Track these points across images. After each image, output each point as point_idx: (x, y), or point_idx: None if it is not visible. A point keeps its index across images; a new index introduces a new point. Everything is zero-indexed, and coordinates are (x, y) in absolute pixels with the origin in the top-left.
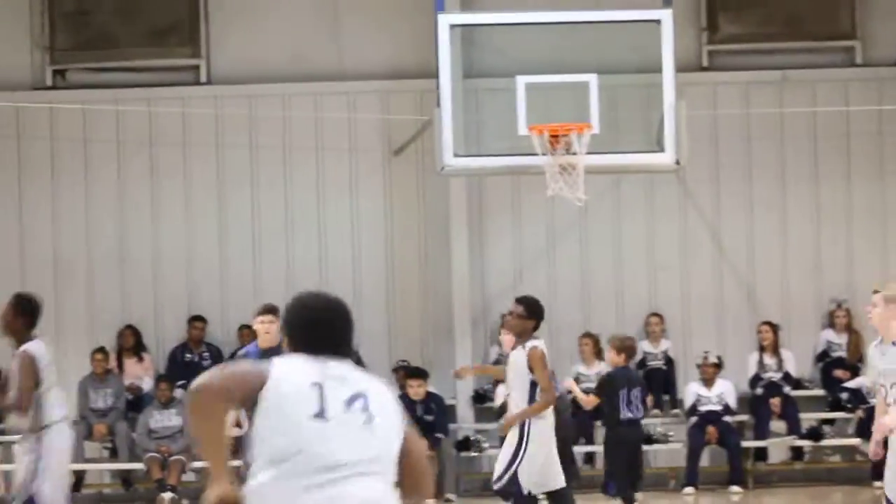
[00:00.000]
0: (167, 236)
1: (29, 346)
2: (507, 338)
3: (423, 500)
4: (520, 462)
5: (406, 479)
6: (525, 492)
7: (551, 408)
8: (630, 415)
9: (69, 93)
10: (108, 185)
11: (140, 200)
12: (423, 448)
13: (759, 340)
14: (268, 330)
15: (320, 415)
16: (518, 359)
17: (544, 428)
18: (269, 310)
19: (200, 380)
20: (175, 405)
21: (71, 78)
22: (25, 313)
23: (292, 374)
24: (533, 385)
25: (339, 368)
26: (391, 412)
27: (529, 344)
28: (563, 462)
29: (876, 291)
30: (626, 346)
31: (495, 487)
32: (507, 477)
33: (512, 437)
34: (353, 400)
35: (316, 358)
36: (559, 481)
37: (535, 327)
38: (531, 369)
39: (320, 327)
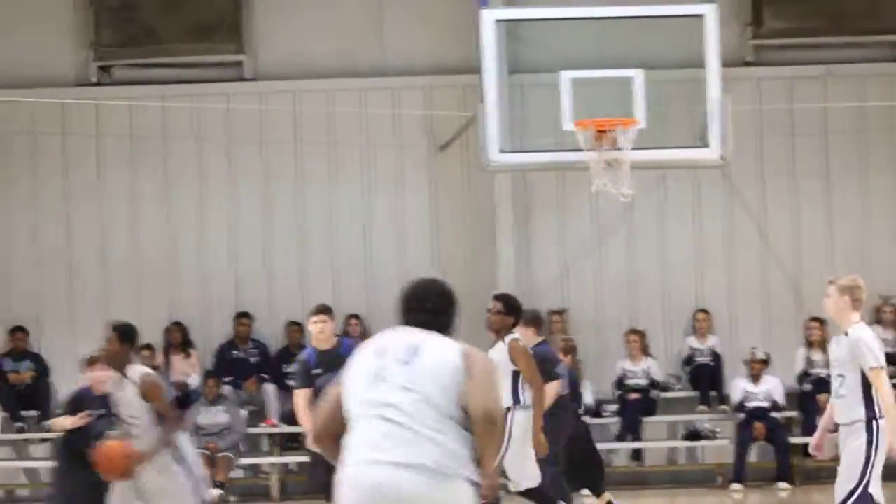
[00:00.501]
0: (213, 232)
1: (145, 372)
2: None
3: None
4: (502, 457)
5: None
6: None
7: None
8: None
9: (114, 89)
10: (154, 181)
11: (186, 197)
12: None
13: (807, 336)
14: (321, 330)
15: None
16: (499, 354)
17: (523, 422)
18: (322, 310)
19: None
20: (222, 402)
21: (116, 74)
22: (127, 341)
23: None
24: (515, 378)
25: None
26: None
27: (508, 337)
28: (577, 461)
29: (831, 282)
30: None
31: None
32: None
33: None
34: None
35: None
36: (534, 480)
37: (514, 324)
38: (513, 362)
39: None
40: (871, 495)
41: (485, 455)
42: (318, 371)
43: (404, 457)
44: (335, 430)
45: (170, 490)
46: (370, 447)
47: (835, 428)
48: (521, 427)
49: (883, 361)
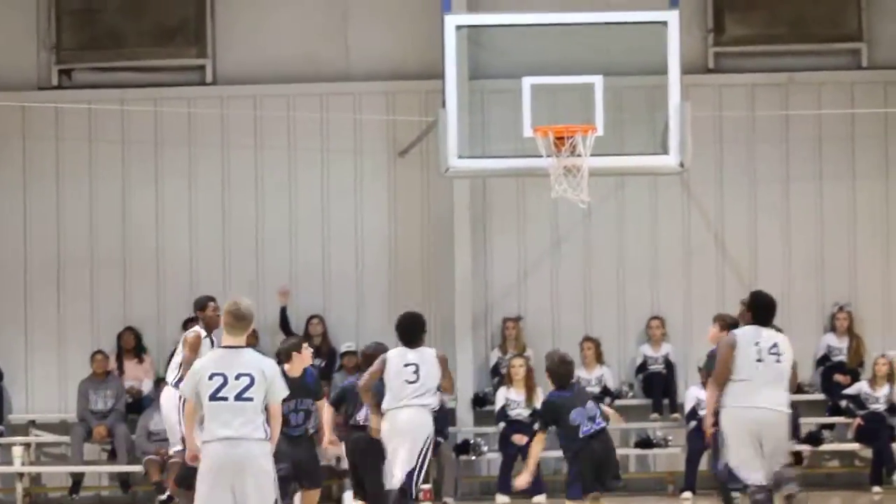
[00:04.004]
0: (170, 237)
1: None
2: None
3: None
4: None
5: None
6: None
7: None
8: None
9: (75, 92)
10: (112, 185)
11: (144, 201)
12: None
13: None
14: (303, 359)
15: None
16: None
17: None
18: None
19: None
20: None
21: (77, 77)
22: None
23: None
24: None
25: None
26: None
27: None
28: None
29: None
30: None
31: None
32: None
33: None
34: None
35: None
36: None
37: None
38: None
39: None
40: None
41: None
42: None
43: None
44: None
45: None
46: None
47: None
48: None
49: None
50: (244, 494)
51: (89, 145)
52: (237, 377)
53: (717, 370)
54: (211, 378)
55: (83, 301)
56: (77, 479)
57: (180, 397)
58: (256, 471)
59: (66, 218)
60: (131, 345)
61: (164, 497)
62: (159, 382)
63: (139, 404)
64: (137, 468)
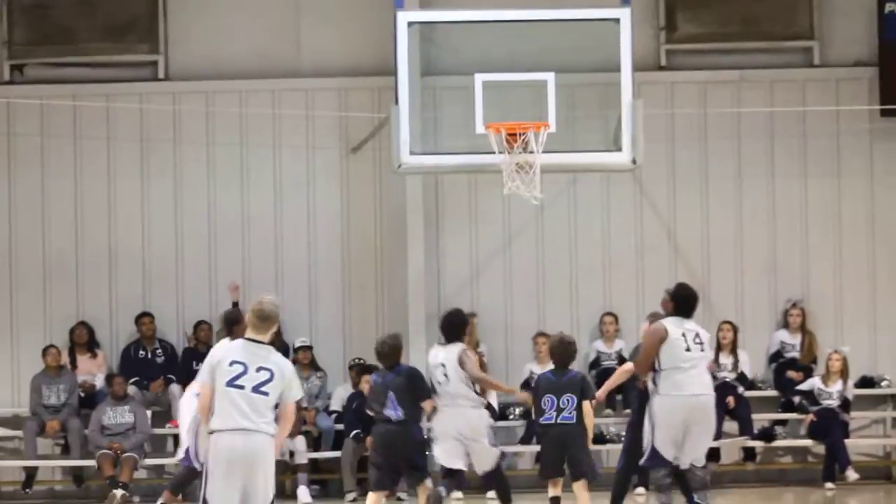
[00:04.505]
0: (123, 232)
1: None
2: None
3: None
4: None
5: None
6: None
7: None
8: None
9: (26, 88)
10: (64, 180)
11: (96, 196)
12: None
13: (719, 339)
14: None
15: None
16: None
17: None
18: None
19: None
20: (128, 402)
21: (28, 73)
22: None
23: None
24: None
25: None
26: None
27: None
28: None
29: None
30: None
31: None
32: None
33: None
34: None
35: None
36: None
37: None
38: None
39: None
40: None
41: None
42: None
43: None
44: None
45: None
46: None
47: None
48: None
49: None
50: (254, 487)
51: (41, 141)
52: (258, 370)
53: (641, 358)
54: (231, 365)
55: (36, 296)
56: (30, 474)
57: None
58: (266, 465)
59: (19, 213)
60: (84, 339)
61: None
62: (111, 378)
63: (92, 399)
64: (90, 463)
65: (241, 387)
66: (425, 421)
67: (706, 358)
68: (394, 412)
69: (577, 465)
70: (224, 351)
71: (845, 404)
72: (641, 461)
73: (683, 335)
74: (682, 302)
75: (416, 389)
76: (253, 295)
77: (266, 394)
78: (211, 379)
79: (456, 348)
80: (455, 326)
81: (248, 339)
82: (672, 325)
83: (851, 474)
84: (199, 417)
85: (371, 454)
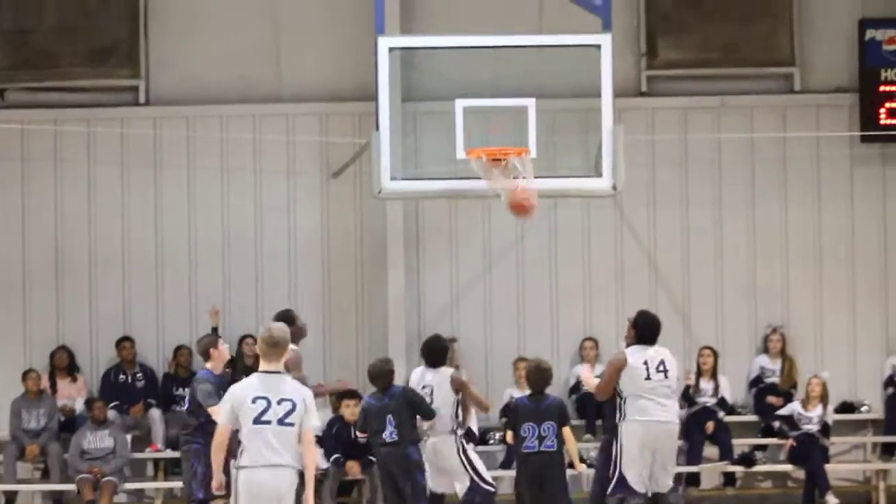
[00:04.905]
0: (103, 256)
1: None
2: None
3: None
4: None
5: None
6: None
7: None
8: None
9: (8, 112)
10: (45, 204)
11: (77, 220)
12: None
13: (700, 364)
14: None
15: None
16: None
17: None
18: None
19: None
20: (108, 426)
21: (10, 97)
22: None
23: None
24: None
25: None
26: None
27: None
28: None
29: None
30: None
31: None
32: None
33: None
34: None
35: None
36: None
37: None
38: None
39: None
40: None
41: None
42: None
43: None
44: None
45: None
46: None
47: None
48: None
49: None
50: None
51: (22, 165)
52: (279, 402)
53: (601, 384)
54: (254, 402)
55: (16, 319)
56: (10, 498)
57: None
58: (290, 499)
59: None
60: (64, 363)
61: None
62: (91, 402)
63: (72, 423)
64: (70, 487)
65: (268, 422)
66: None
67: (672, 384)
68: (391, 435)
69: (556, 496)
70: (243, 388)
71: (825, 429)
72: (608, 490)
73: (645, 363)
74: (644, 329)
75: (421, 410)
76: (234, 319)
77: (291, 424)
78: (230, 420)
79: (447, 371)
80: (436, 352)
81: (264, 372)
82: (634, 353)
83: (831, 499)
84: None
85: (381, 478)
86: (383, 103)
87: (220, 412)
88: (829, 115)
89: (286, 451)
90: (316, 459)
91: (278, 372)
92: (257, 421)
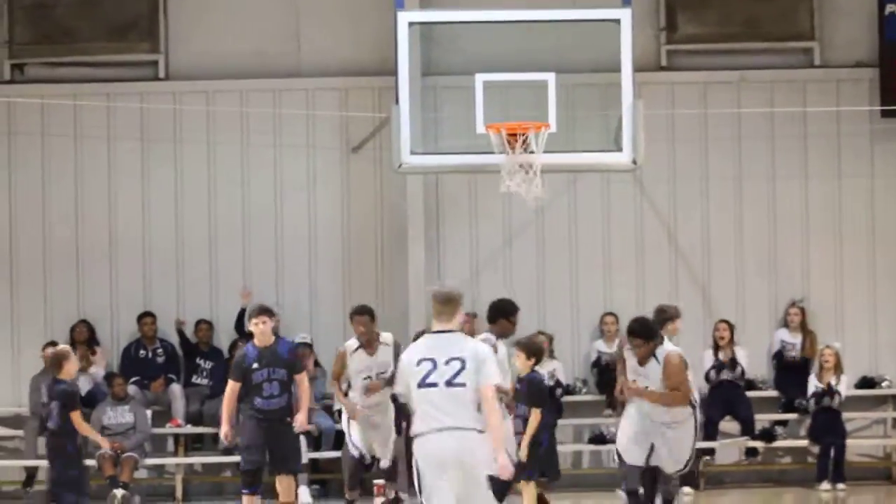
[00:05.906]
0: (123, 231)
1: None
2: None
3: None
4: None
5: None
6: None
7: None
8: None
9: (27, 87)
10: (65, 179)
11: (97, 195)
12: None
13: (716, 338)
14: (262, 331)
15: None
16: None
17: None
18: (263, 311)
19: None
20: (128, 402)
21: (29, 72)
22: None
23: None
24: None
25: None
26: None
27: None
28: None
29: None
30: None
31: None
32: None
33: None
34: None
35: None
36: None
37: None
38: None
39: None
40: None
41: None
42: (256, 366)
43: None
44: None
45: None
46: None
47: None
48: None
49: None
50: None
51: (42, 140)
52: (447, 362)
53: (684, 393)
54: (419, 364)
55: (37, 295)
56: (31, 473)
57: None
58: (482, 468)
59: (20, 212)
60: (84, 337)
61: (121, 492)
62: (111, 377)
63: (93, 398)
64: (91, 462)
65: (434, 384)
66: None
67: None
68: None
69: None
70: (409, 353)
71: (835, 395)
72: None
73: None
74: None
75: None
76: (255, 294)
77: (462, 384)
78: (405, 387)
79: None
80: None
81: (435, 332)
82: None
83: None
84: None
85: None
86: (403, 78)
87: (396, 383)
88: (850, 90)
89: (462, 413)
90: (499, 420)
91: (450, 331)
92: (422, 384)
